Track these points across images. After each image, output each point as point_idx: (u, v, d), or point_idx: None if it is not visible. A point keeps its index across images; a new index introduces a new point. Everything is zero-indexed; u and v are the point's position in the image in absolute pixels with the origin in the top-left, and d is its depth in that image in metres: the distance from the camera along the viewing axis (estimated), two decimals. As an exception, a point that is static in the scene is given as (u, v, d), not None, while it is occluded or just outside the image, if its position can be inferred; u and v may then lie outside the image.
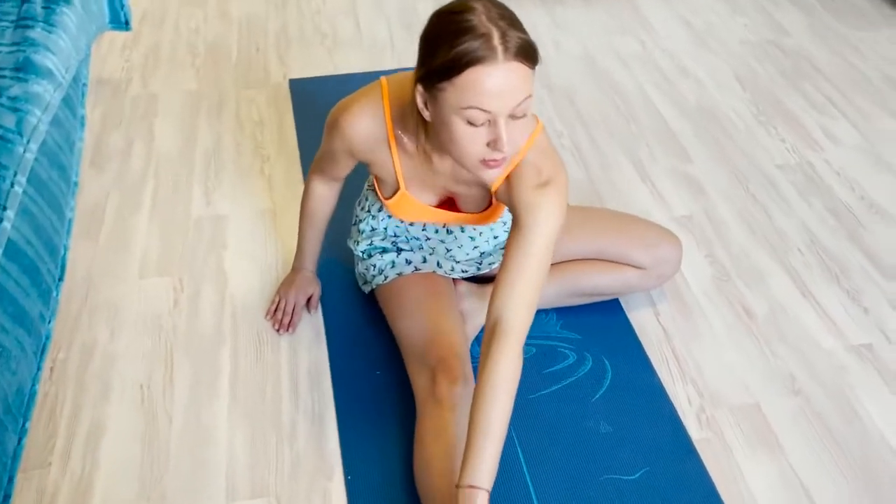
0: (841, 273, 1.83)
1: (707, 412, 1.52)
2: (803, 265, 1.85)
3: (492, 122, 1.13)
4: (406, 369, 1.50)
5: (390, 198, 1.45)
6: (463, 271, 1.60)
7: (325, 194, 1.58)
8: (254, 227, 1.91)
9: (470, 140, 1.15)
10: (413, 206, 1.44)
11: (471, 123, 1.13)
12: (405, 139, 1.34)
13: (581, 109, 2.33)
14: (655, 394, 1.53)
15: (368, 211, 1.60)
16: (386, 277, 1.58)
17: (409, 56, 2.55)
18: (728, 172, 2.11)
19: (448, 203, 1.46)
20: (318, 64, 2.53)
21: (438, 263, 1.58)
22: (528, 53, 1.11)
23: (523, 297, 1.23)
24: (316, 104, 2.28)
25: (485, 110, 1.11)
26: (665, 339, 1.66)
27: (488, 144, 1.15)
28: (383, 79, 1.34)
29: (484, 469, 1.16)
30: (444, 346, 1.43)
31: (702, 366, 1.61)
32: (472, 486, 1.16)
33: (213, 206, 1.98)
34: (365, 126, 1.33)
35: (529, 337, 1.44)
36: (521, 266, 1.23)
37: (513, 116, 1.12)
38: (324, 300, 1.71)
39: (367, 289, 1.65)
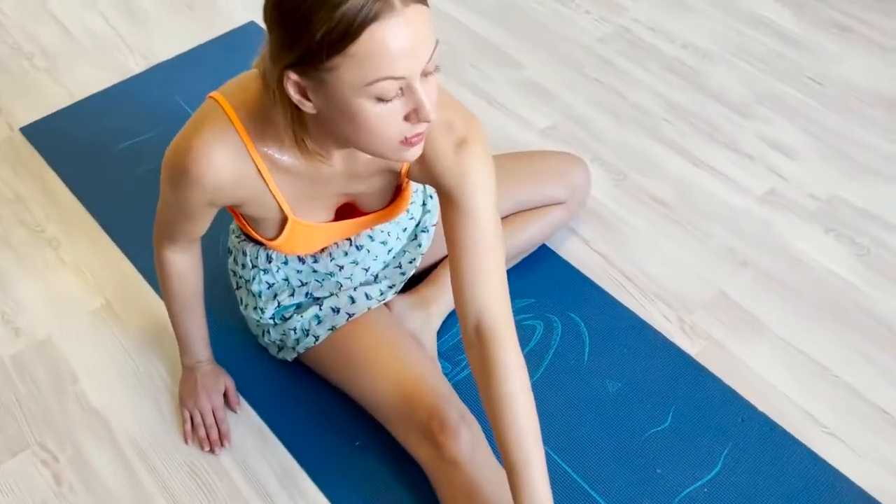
0: (712, 129, 1.86)
1: (687, 321, 1.51)
2: (678, 133, 1.85)
3: (406, 90, 0.89)
4: (390, 432, 1.29)
5: (277, 236, 1.18)
6: (390, 287, 1.40)
7: (188, 263, 1.27)
8: (95, 337, 1.51)
9: (384, 120, 0.90)
10: (309, 232, 1.18)
11: (381, 100, 0.88)
12: (275, 154, 1.06)
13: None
14: (635, 327, 1.48)
15: (254, 266, 1.31)
16: (317, 338, 1.32)
17: (155, 47, 2.11)
18: (561, 64, 2.04)
19: (346, 210, 1.21)
20: (44, 96, 1.99)
21: (367, 295, 1.35)
22: None
23: (494, 284, 1.07)
24: (78, 147, 1.84)
25: (397, 77, 0.86)
26: (608, 265, 1.60)
27: (407, 118, 0.91)
28: (214, 94, 1.04)
29: (542, 494, 1.04)
30: (427, 396, 1.23)
31: (653, 275, 1.58)
32: None
33: (24, 333, 1.52)
34: (222, 161, 1.03)
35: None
36: (477, 250, 1.06)
37: (425, 73, 0.89)
38: (242, 388, 1.42)
39: (289, 356, 1.39)
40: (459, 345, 1.46)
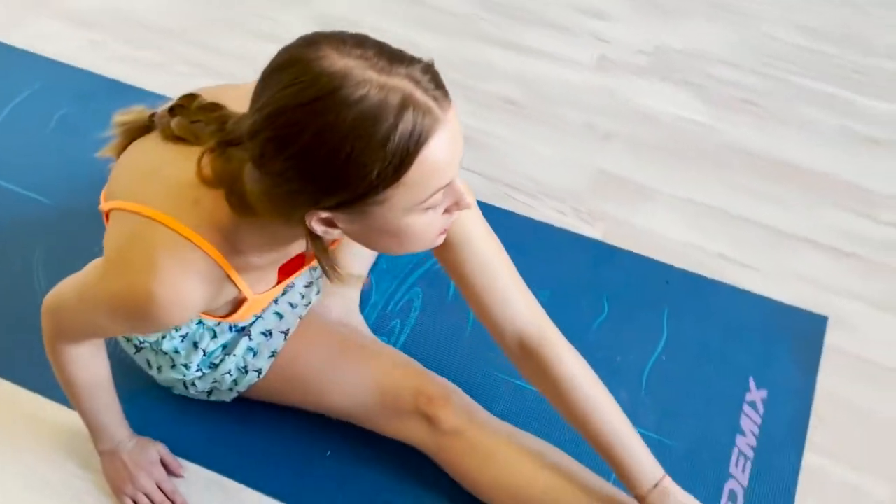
0: (524, 13, 1.85)
1: (581, 209, 1.53)
2: (494, 27, 1.83)
3: (449, 188, 0.82)
4: (373, 430, 1.22)
5: (231, 313, 1.05)
6: (307, 286, 1.28)
7: (97, 353, 1.10)
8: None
9: (431, 226, 0.83)
10: (263, 300, 1.06)
11: (430, 209, 0.81)
12: (251, 260, 0.94)
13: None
14: (537, 232, 1.48)
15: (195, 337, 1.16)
16: (259, 371, 1.20)
17: None
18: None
19: (292, 262, 1.09)
20: None
21: (291, 304, 1.23)
22: (442, 81, 0.79)
23: (519, 296, 1.05)
24: None
25: (446, 185, 0.79)
26: (488, 181, 1.57)
27: (447, 210, 0.85)
28: (138, 209, 0.88)
29: (647, 460, 1.05)
30: (403, 379, 1.18)
31: (533, 176, 1.57)
32: (656, 486, 1.04)
33: None
34: (198, 295, 0.89)
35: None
36: (487, 274, 1.02)
37: None
38: (175, 449, 1.25)
39: (227, 397, 1.25)
40: (384, 314, 1.40)
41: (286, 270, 1.07)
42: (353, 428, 1.23)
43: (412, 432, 1.18)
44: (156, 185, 0.90)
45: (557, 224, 1.51)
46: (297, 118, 0.72)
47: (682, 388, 1.31)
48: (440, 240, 0.90)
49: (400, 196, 0.76)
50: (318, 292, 1.28)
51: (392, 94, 0.72)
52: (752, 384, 1.31)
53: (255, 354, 1.19)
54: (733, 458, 1.24)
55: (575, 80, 1.73)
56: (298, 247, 1.00)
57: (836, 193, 1.55)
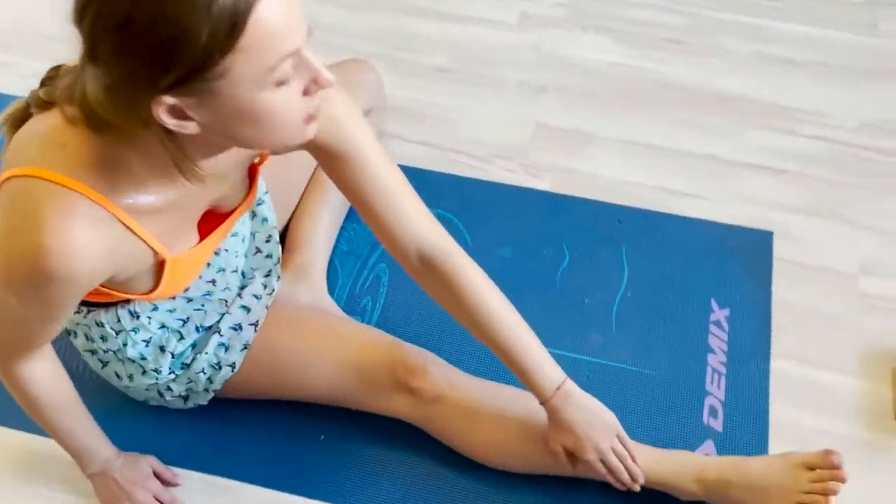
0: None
1: (527, 164, 1.57)
2: (417, -1, 1.85)
3: (298, 63, 0.78)
4: (358, 408, 1.24)
5: (155, 286, 1.02)
6: (267, 275, 1.29)
7: (51, 367, 1.08)
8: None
9: (289, 104, 0.79)
10: (187, 263, 1.04)
11: (282, 83, 0.77)
12: (137, 200, 0.89)
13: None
14: (491, 192, 1.52)
15: (119, 332, 1.13)
16: (233, 365, 1.20)
17: None
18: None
19: (205, 220, 1.07)
20: None
21: (255, 296, 1.23)
22: None
23: (415, 213, 1.06)
24: None
25: (292, 52, 0.76)
26: (435, 150, 1.59)
27: (306, 92, 0.81)
28: (15, 171, 0.85)
29: (548, 365, 1.09)
30: (379, 354, 1.20)
31: (478, 139, 1.60)
32: (558, 389, 1.09)
33: None
34: (89, 240, 0.85)
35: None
36: (385, 192, 1.03)
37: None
38: (165, 458, 1.24)
39: (203, 399, 1.25)
40: (354, 295, 1.42)
41: (207, 227, 1.05)
42: (340, 409, 1.25)
43: (396, 406, 1.21)
44: (29, 146, 0.88)
45: (508, 182, 1.55)
46: None
47: (650, 320, 1.37)
48: (310, 130, 0.86)
49: (242, 66, 0.73)
50: (279, 278, 1.28)
51: None
52: (714, 305, 1.39)
53: (226, 349, 1.20)
54: (708, 377, 1.31)
55: (502, 40, 1.76)
56: (202, 194, 0.97)
57: (763, 115, 1.63)
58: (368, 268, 1.44)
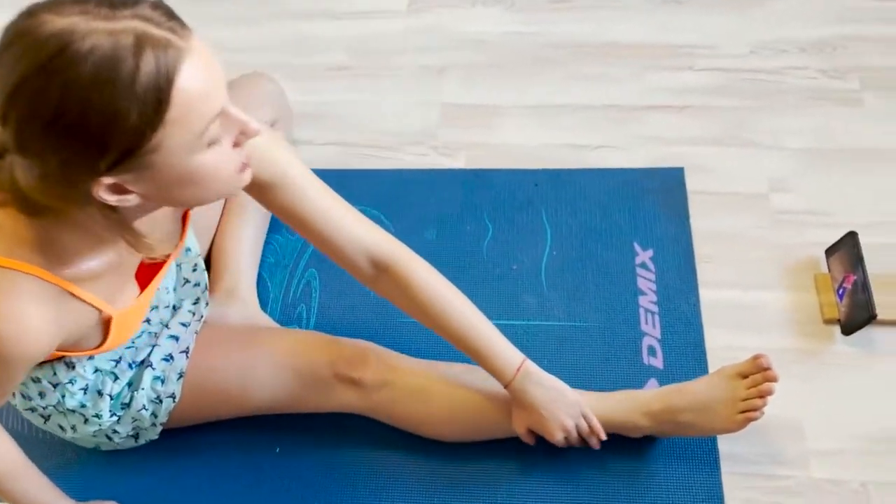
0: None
1: (438, 145, 1.58)
2: (302, 2, 1.85)
3: (224, 118, 0.81)
4: (306, 411, 1.25)
5: (102, 342, 1.03)
6: (195, 303, 1.28)
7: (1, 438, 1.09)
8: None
9: (223, 160, 0.83)
10: (130, 315, 1.06)
11: (213, 143, 0.81)
12: (80, 268, 0.92)
13: None
14: (407, 179, 1.53)
15: (56, 385, 1.12)
16: (174, 396, 1.20)
17: None
18: None
19: (146, 267, 1.08)
20: None
21: (183, 325, 1.22)
22: (175, 13, 0.78)
23: (357, 224, 1.09)
24: None
25: (218, 112, 0.79)
26: (346, 147, 1.60)
27: (236, 144, 0.85)
28: None
29: (506, 347, 1.13)
30: (316, 353, 1.21)
31: (385, 129, 1.61)
32: (518, 370, 1.12)
33: None
34: (37, 316, 0.87)
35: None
36: (321, 212, 1.06)
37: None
38: (124, 499, 1.24)
39: (153, 434, 1.25)
40: (287, 305, 1.43)
41: (145, 277, 1.06)
42: (292, 418, 1.26)
43: (343, 400, 1.22)
44: None
45: (423, 167, 1.56)
46: (37, 86, 0.72)
47: (579, 274, 1.40)
48: (245, 177, 0.89)
49: (173, 137, 0.75)
50: (207, 304, 1.29)
51: (123, 36, 0.71)
52: (637, 248, 1.42)
53: (163, 382, 1.20)
54: (641, 318, 1.35)
55: (395, 28, 1.77)
56: (135, 257, 0.98)
57: (656, 56, 1.66)
58: (298, 276, 1.45)
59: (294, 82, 1.70)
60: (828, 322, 1.31)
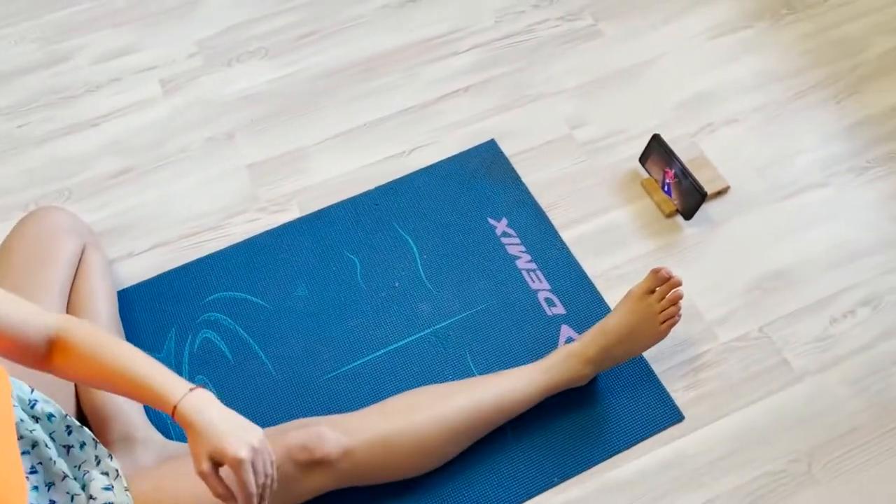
0: (52, 93, 1.73)
1: (294, 201, 1.56)
2: (48, 121, 1.69)
3: None
4: None
5: None
6: (98, 463, 1.15)
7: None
8: None
9: None
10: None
11: None
12: None
13: None
14: (288, 241, 1.50)
15: None
16: None
17: None
18: None
19: None
20: None
21: (105, 487, 1.10)
22: None
23: (28, 309, 1.01)
24: None
25: None
26: (181, 241, 1.52)
27: None
28: None
29: (171, 378, 1.00)
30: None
31: (208, 210, 1.55)
32: (191, 389, 0.99)
33: None
34: None
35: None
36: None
37: None
38: None
39: None
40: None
41: None
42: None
43: (313, 485, 1.18)
44: None
45: (261, 231, 1.52)
46: None
47: (455, 266, 1.46)
48: None
49: None
50: (111, 457, 1.16)
51: None
52: (492, 222, 1.51)
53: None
54: (527, 278, 1.44)
55: (159, 114, 1.69)
56: None
57: (419, 54, 1.75)
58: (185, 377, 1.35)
59: (80, 203, 1.57)
60: (669, 216, 1.50)
